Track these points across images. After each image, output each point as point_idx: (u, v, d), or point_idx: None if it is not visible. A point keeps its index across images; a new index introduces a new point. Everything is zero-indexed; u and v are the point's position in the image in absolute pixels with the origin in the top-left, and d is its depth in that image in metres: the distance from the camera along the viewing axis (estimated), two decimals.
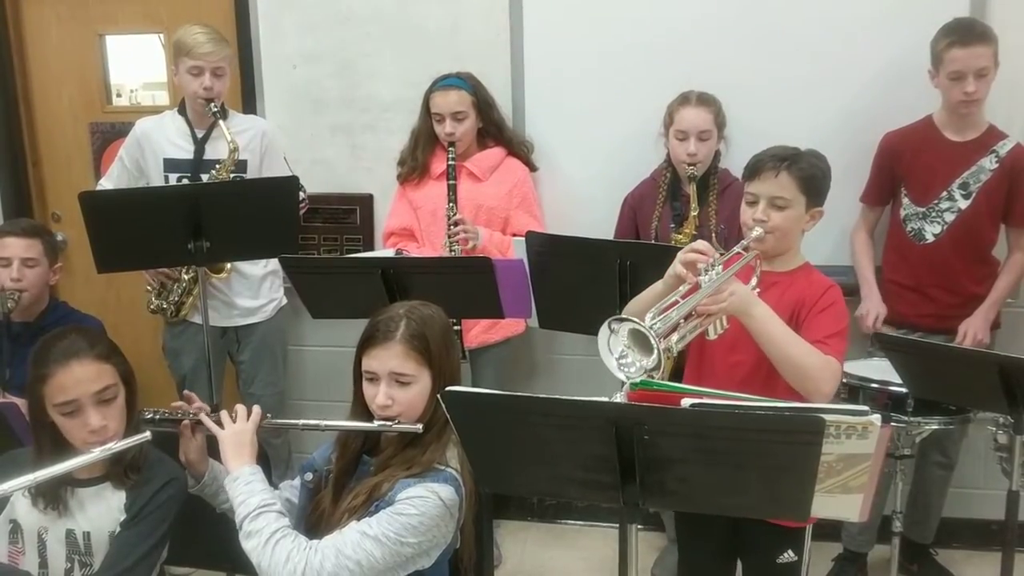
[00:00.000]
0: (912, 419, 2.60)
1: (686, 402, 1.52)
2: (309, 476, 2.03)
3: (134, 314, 3.54)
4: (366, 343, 1.92)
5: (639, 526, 1.72)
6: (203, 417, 1.98)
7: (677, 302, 1.94)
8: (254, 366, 3.42)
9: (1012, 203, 2.94)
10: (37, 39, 3.88)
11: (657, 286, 2.14)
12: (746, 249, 2.14)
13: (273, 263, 3.32)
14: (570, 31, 3.37)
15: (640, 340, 1.78)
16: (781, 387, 2.07)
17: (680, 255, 2.08)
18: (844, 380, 2.73)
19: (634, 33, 3.32)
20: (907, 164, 3.01)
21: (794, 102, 3.22)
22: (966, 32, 2.81)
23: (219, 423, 1.94)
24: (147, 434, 1.88)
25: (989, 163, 2.92)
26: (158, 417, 2.01)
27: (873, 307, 3.06)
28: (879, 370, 2.68)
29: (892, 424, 2.56)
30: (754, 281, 2.12)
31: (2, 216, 3.85)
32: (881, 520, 3.05)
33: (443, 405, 1.67)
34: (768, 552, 2.23)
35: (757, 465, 1.53)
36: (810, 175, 2.15)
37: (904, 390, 2.56)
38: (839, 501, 1.65)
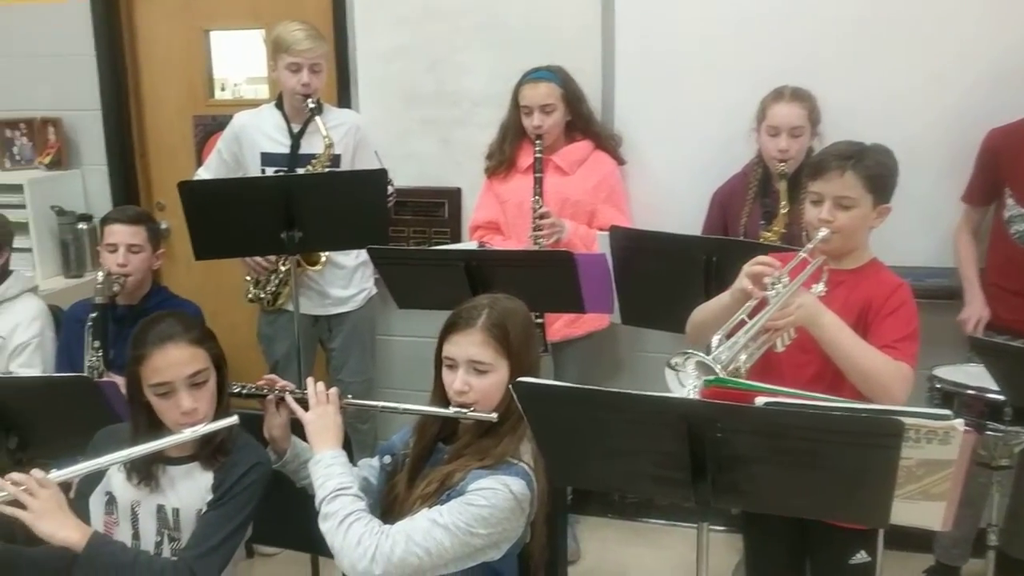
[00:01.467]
0: (1010, 428, 2.49)
1: (760, 400, 1.49)
2: (387, 459, 2.07)
3: (231, 300, 3.66)
4: (448, 330, 1.95)
5: (720, 528, 1.70)
6: (288, 398, 2.04)
7: (744, 322, 1.92)
8: (344, 354, 3.50)
9: None
10: (147, 36, 4.06)
11: (724, 298, 2.12)
12: (811, 254, 2.09)
13: (364, 254, 3.36)
14: (662, 23, 3.34)
15: (706, 367, 1.78)
16: (847, 389, 2.01)
17: (746, 268, 2.04)
18: (938, 386, 2.64)
19: (727, 26, 3.27)
20: (1011, 164, 2.87)
21: (893, 98, 3.12)
22: None
23: (303, 404, 1.99)
24: (235, 418, 1.95)
25: None
26: (244, 391, 2.08)
27: (975, 311, 2.94)
28: (976, 376, 2.57)
29: (988, 433, 2.46)
30: (821, 285, 2.06)
31: (112, 204, 4.05)
32: (976, 533, 2.93)
33: (513, 395, 1.68)
34: (840, 552, 2.17)
35: (832, 467, 1.49)
36: (876, 173, 2.08)
37: (1002, 397, 2.45)
38: (921, 508, 1.59)
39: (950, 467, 1.51)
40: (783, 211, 2.93)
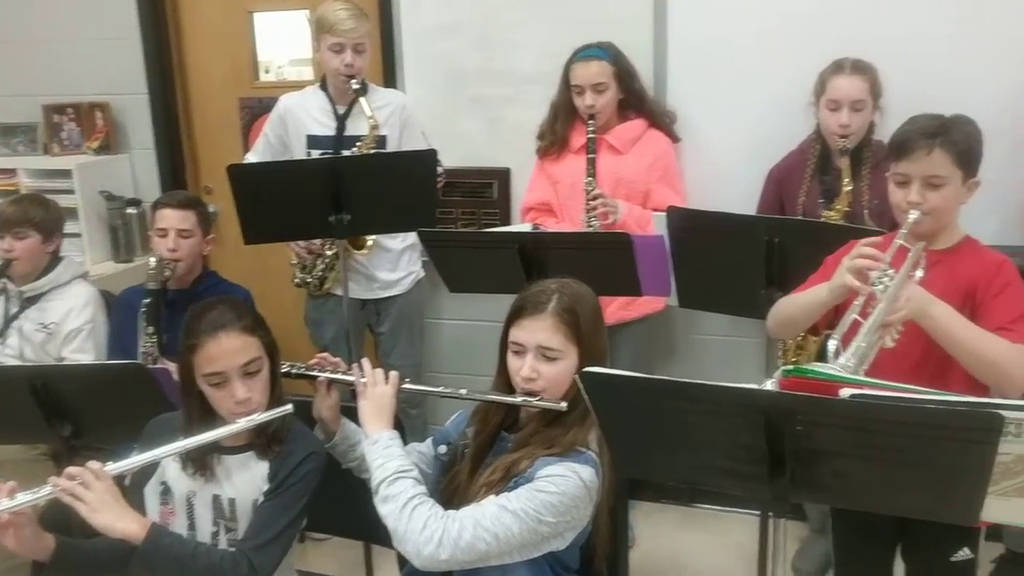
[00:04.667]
0: None
1: (845, 392, 1.41)
2: (443, 449, 2.03)
3: (279, 284, 3.65)
4: (516, 314, 1.89)
5: (776, 514, 1.63)
6: (342, 377, 1.99)
7: (858, 323, 1.83)
8: (393, 338, 3.47)
9: None
10: (191, 17, 4.03)
11: (821, 294, 2.01)
12: (908, 240, 1.98)
13: (412, 237, 3.34)
14: None
15: None
16: (956, 378, 1.91)
17: (847, 262, 1.94)
18: None
19: None
20: None
21: (957, 68, 2.98)
22: None
23: (358, 385, 1.95)
24: (289, 407, 1.91)
25: None
26: (295, 371, 2.04)
27: None
28: None
29: None
30: (920, 271, 1.96)
31: (160, 188, 4.04)
32: None
33: (580, 385, 1.62)
34: (942, 550, 2.08)
35: (923, 463, 1.41)
36: (965, 147, 1.96)
37: None
38: (1015, 506, 1.50)
39: None
40: (846, 188, 2.83)
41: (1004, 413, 1.32)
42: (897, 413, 1.40)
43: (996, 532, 3.01)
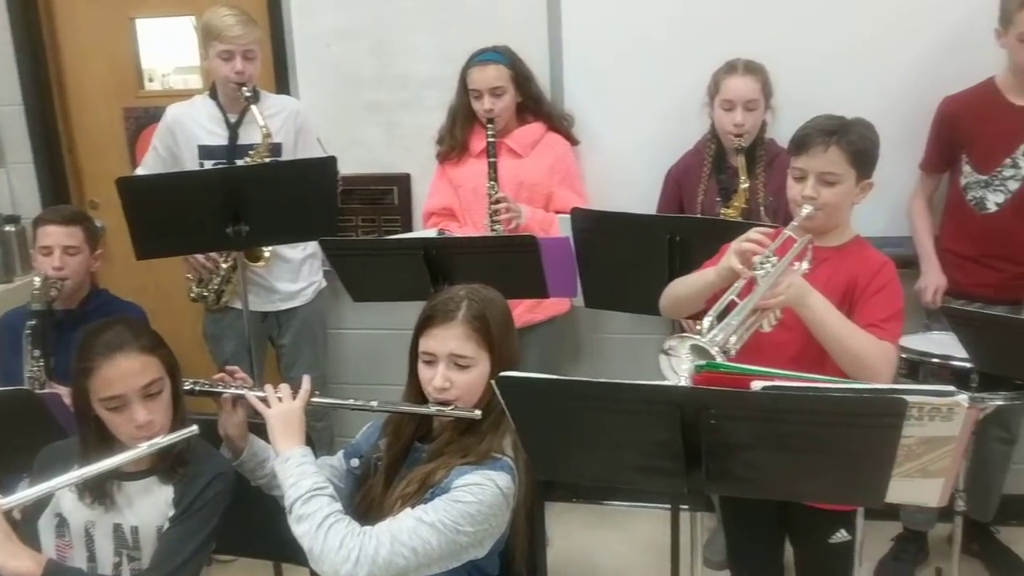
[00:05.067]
0: (977, 395, 2.49)
1: (757, 385, 1.45)
2: (356, 463, 1.99)
3: (173, 300, 3.52)
4: (425, 323, 1.86)
5: (686, 507, 1.66)
6: (248, 394, 1.93)
7: (734, 303, 1.88)
8: (295, 350, 3.39)
9: None
10: (68, 23, 3.85)
11: (709, 276, 2.07)
12: (797, 231, 2.05)
13: (312, 246, 3.28)
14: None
15: (700, 349, 1.73)
16: (829, 368, 1.97)
17: (734, 245, 2.00)
18: (903, 356, 2.63)
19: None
20: (968, 130, 2.88)
21: (845, 69, 3.10)
22: None
23: (266, 402, 1.90)
24: (194, 428, 1.84)
25: None
26: (198, 388, 1.97)
27: (932, 280, 2.95)
28: (939, 344, 2.58)
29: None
30: (806, 264, 2.03)
31: (41, 204, 3.84)
32: None
33: (496, 390, 1.61)
34: (821, 533, 2.16)
35: (832, 450, 1.46)
36: (861, 148, 2.04)
37: (968, 365, 2.45)
38: (917, 486, 1.57)
39: (951, 444, 1.48)
40: (743, 186, 2.90)
41: (907, 398, 1.37)
42: (807, 403, 1.43)
43: (893, 512, 3.15)
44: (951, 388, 1.45)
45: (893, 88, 3.07)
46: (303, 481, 1.76)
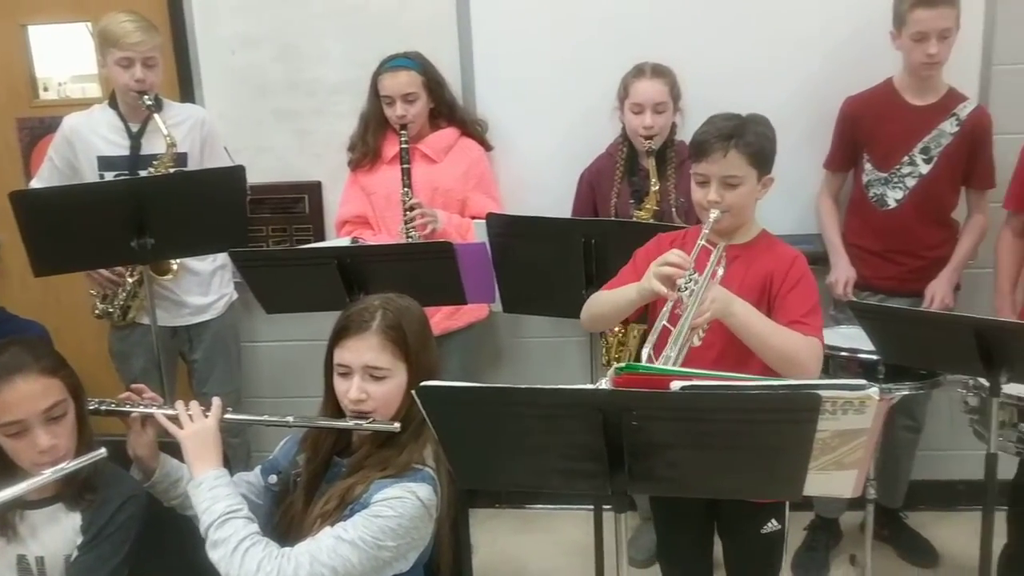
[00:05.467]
0: (884, 385, 2.58)
1: (676, 385, 1.46)
2: (273, 479, 1.94)
3: (77, 316, 3.39)
4: (339, 334, 1.83)
5: (609, 507, 1.66)
6: (157, 414, 1.87)
7: (668, 330, 1.91)
8: (208, 365, 3.30)
9: (972, 166, 2.93)
10: None
11: (630, 294, 2.08)
12: (709, 238, 2.08)
13: (222, 257, 3.20)
14: (518, 3, 3.28)
15: None
16: (754, 365, 2.02)
17: (654, 268, 2.00)
18: None
19: (585, 4, 3.24)
20: (868, 130, 2.98)
21: (751, 72, 3.16)
22: None
23: (176, 421, 1.83)
24: (102, 451, 1.77)
25: (950, 126, 2.90)
26: (104, 409, 1.90)
27: (843, 273, 3.04)
28: (847, 338, 2.66)
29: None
30: (721, 269, 2.06)
31: None
32: None
33: (417, 401, 1.58)
34: (753, 524, 2.19)
35: (750, 446, 1.47)
36: (758, 147, 2.07)
37: (875, 357, 2.54)
38: (832, 478, 1.61)
39: (863, 436, 1.52)
40: (654, 188, 2.94)
41: (821, 393, 1.40)
42: (724, 400, 1.45)
43: (807, 501, 3.23)
44: (863, 382, 1.48)
45: (798, 90, 3.15)
46: (216, 505, 1.71)
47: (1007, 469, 2.65)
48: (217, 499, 1.73)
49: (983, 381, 2.32)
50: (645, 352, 1.89)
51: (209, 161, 3.12)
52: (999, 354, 2.18)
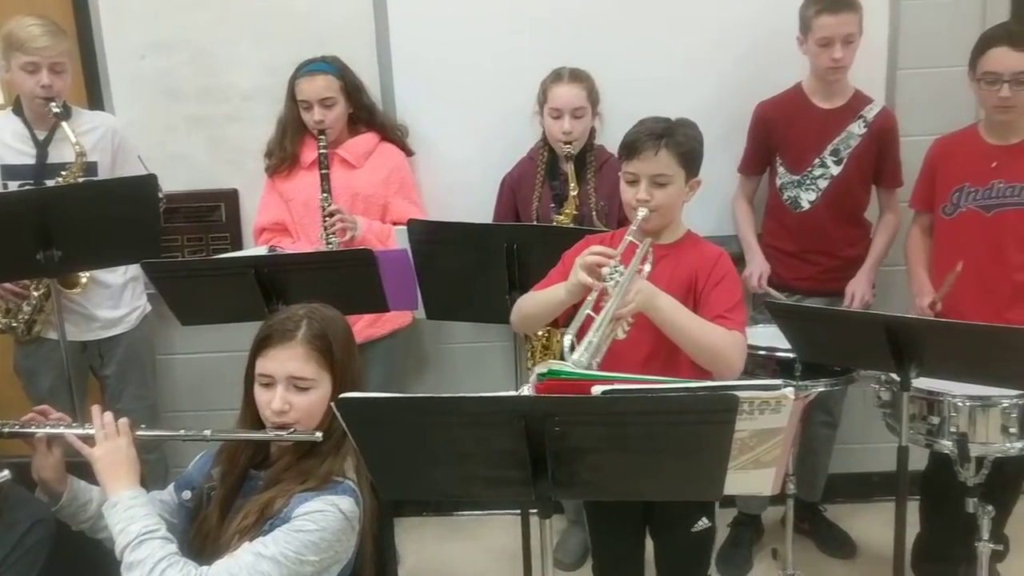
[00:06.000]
0: (800, 383, 2.65)
1: (597, 389, 1.47)
2: (188, 495, 1.89)
3: None
4: (262, 344, 1.79)
5: (535, 511, 1.66)
6: (67, 434, 1.80)
7: (591, 318, 1.91)
8: (121, 380, 3.19)
9: (881, 166, 3.02)
10: None
11: (559, 293, 2.10)
12: (637, 236, 2.10)
13: (134, 269, 3.11)
14: (436, 8, 3.26)
15: None
16: (684, 363, 2.06)
17: (580, 260, 2.03)
18: None
19: (503, 9, 3.24)
20: (780, 134, 3.05)
21: (668, 77, 3.20)
22: None
23: (88, 440, 1.77)
24: (6, 472, 1.70)
25: (858, 128, 2.98)
26: (7, 431, 1.82)
27: (757, 267, 3.11)
28: (764, 336, 2.72)
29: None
30: (648, 266, 2.08)
31: None
32: None
33: (336, 413, 1.56)
34: (684, 523, 2.22)
35: (671, 448, 1.50)
36: (688, 148, 2.12)
37: (791, 355, 2.60)
38: (751, 476, 1.64)
39: (781, 434, 1.55)
40: (573, 193, 2.95)
41: (738, 394, 1.42)
42: (645, 404, 1.47)
43: (730, 498, 3.28)
44: (779, 382, 1.52)
45: (712, 95, 3.20)
46: (131, 526, 1.65)
47: (919, 461, 2.75)
48: (133, 519, 1.67)
49: (894, 376, 2.40)
50: (567, 339, 1.89)
51: (122, 170, 3.03)
52: (909, 350, 2.26)
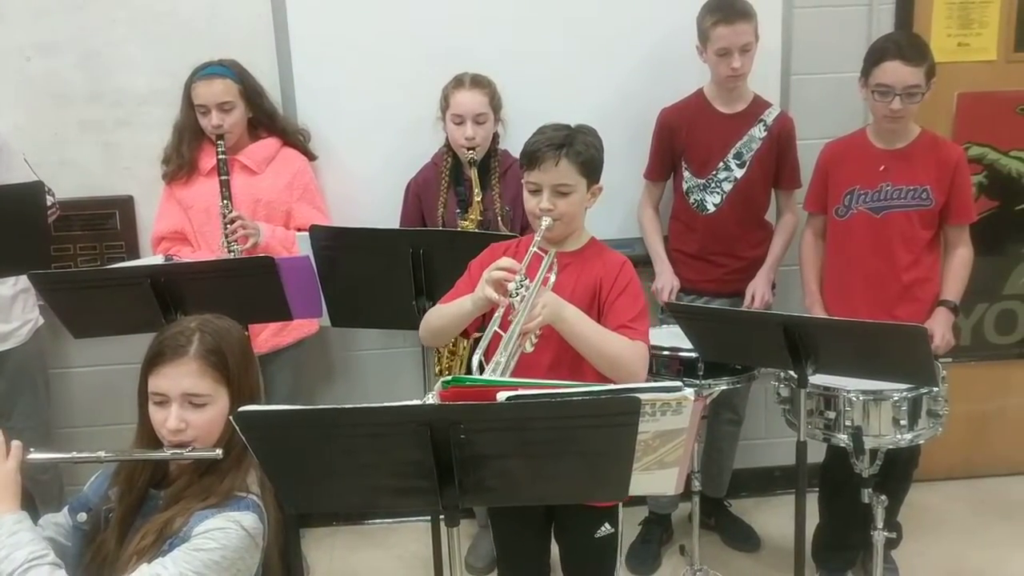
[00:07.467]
0: (703, 381, 2.71)
1: (502, 395, 1.47)
2: (83, 517, 1.80)
3: None
4: (153, 361, 1.72)
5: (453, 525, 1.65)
6: None
7: (499, 336, 1.92)
8: (11, 397, 3.05)
9: (781, 168, 3.11)
10: None
11: (466, 306, 2.09)
12: (542, 247, 2.12)
13: (23, 280, 2.96)
14: (336, 13, 3.22)
15: None
16: (589, 369, 2.07)
17: (487, 275, 2.03)
18: None
19: (403, 13, 3.22)
20: (684, 138, 3.10)
21: (569, 81, 3.23)
22: (729, 10, 2.91)
23: None
24: None
25: (759, 132, 3.06)
26: None
27: (667, 282, 3.14)
28: (670, 337, 2.76)
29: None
30: (552, 276, 2.09)
31: None
32: None
33: (236, 427, 1.52)
34: (587, 528, 2.24)
35: (575, 451, 1.51)
36: (588, 157, 2.13)
37: (694, 354, 2.66)
38: (655, 477, 1.66)
39: (683, 435, 1.58)
40: (477, 199, 2.95)
41: (640, 396, 1.44)
42: (549, 408, 1.47)
43: (640, 498, 3.33)
44: (679, 383, 1.54)
45: (615, 100, 3.24)
46: (17, 552, 1.57)
47: (817, 454, 2.84)
48: (18, 545, 1.59)
49: (792, 373, 2.47)
50: (476, 359, 1.90)
51: (6, 177, 2.87)
52: (805, 347, 2.34)
